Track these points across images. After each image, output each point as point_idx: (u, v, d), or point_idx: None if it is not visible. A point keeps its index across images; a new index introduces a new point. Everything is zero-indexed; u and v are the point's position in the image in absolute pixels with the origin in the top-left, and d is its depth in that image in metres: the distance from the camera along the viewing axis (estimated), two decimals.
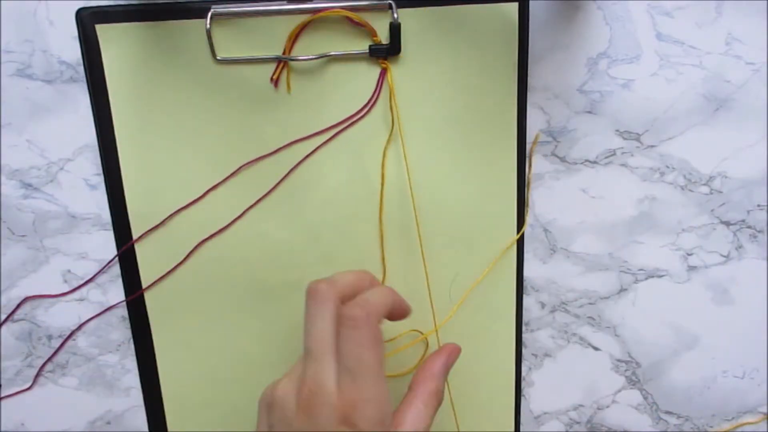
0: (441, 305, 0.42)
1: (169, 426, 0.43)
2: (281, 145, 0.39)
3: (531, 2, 0.37)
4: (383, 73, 0.37)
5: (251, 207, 0.39)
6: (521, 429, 0.45)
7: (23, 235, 0.41)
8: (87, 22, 0.36)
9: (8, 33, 0.37)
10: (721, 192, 0.41)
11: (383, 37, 0.37)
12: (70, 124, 0.39)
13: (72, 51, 0.38)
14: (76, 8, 0.37)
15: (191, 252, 0.40)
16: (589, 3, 0.38)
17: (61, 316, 0.42)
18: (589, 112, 0.40)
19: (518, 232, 0.41)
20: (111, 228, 0.40)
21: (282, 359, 0.43)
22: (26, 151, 0.39)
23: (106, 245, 0.41)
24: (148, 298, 0.41)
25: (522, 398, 0.45)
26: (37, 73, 0.38)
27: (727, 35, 0.39)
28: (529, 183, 0.41)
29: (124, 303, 0.41)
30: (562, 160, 0.41)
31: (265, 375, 0.43)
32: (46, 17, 0.37)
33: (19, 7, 0.37)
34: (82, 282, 0.41)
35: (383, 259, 0.41)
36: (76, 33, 0.37)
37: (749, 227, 0.42)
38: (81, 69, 0.38)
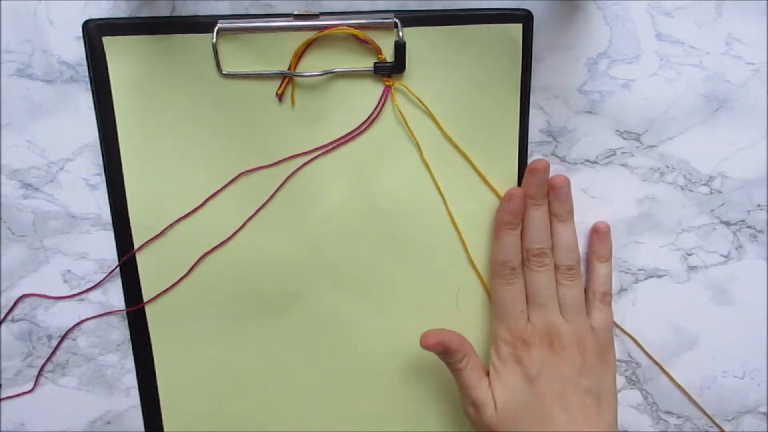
0: (448, 311, 0.42)
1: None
2: (283, 158, 0.39)
3: (531, 2, 0.37)
4: (387, 90, 0.38)
5: (251, 218, 0.40)
6: None
7: (23, 235, 0.41)
8: (94, 34, 0.36)
9: (8, 33, 0.37)
10: (721, 192, 0.41)
11: (388, 55, 0.37)
12: (70, 124, 0.39)
13: (72, 51, 0.38)
14: (77, 9, 0.37)
15: (194, 266, 0.40)
16: (589, 3, 0.38)
17: (61, 316, 0.42)
18: (589, 112, 0.40)
19: None
20: (111, 228, 0.40)
21: (280, 370, 0.43)
22: (26, 151, 0.39)
23: (106, 245, 0.41)
24: (148, 307, 0.41)
25: None
26: (37, 73, 0.38)
27: (727, 35, 0.39)
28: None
29: (124, 309, 0.42)
30: (562, 160, 0.41)
31: (264, 386, 0.43)
32: (46, 17, 0.37)
33: (19, 7, 0.37)
34: (82, 282, 0.41)
35: (472, 260, 0.41)
36: (76, 33, 0.37)
37: (749, 227, 0.42)
38: (81, 69, 0.38)
